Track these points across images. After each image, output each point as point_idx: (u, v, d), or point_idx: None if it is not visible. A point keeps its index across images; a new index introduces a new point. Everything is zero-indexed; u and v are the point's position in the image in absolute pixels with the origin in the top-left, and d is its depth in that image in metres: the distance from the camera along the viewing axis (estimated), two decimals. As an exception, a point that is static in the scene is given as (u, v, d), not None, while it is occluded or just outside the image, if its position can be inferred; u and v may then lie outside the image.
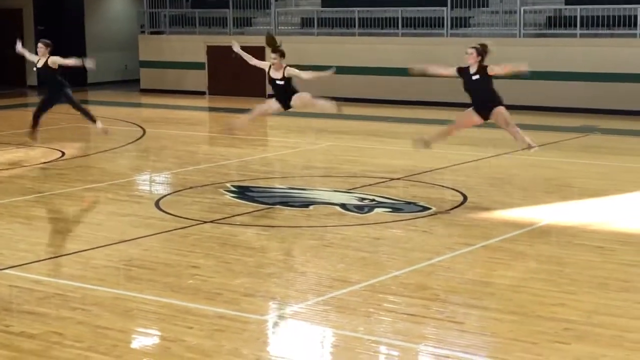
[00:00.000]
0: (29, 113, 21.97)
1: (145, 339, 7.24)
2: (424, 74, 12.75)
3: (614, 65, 20.53)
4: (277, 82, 12.93)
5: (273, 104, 13.28)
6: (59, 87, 15.61)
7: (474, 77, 11.73)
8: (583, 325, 7.21)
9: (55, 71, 15.58)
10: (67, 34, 28.74)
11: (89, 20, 29.08)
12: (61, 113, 22.12)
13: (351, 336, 7.10)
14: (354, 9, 24.07)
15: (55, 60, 15.50)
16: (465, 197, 11.95)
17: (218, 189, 12.72)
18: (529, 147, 11.95)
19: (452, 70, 12.04)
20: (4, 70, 28.45)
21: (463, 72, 11.84)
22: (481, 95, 11.84)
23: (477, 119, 12.01)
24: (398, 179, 13.23)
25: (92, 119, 15.65)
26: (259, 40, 24.91)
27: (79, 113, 15.78)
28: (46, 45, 15.68)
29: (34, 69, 16.01)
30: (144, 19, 27.58)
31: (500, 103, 11.81)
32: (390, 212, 11.32)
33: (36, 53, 15.81)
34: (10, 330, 7.20)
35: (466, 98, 11.92)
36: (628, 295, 8.00)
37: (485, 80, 11.73)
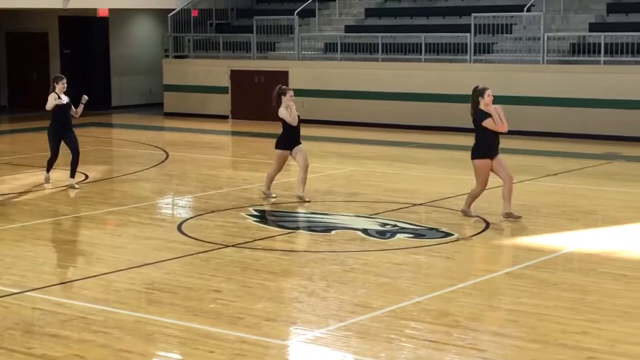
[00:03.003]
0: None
1: (166, 363, 7.24)
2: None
3: (638, 92, 20.43)
4: None
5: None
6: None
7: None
8: (606, 355, 7.15)
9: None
10: (92, 58, 28.97)
11: (113, 44, 29.28)
12: (83, 136, 22.30)
13: (372, 362, 7.07)
14: (378, 34, 24.12)
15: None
16: (487, 224, 11.92)
17: (240, 213, 12.73)
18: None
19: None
20: (28, 92, 28.61)
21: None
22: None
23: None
24: (420, 204, 13.20)
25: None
26: (282, 65, 25.22)
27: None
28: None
29: (64, 102, 14.57)
30: (168, 43, 27.74)
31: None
32: (412, 237, 11.29)
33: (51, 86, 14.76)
34: (32, 353, 7.22)
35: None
36: (652, 324, 7.94)
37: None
